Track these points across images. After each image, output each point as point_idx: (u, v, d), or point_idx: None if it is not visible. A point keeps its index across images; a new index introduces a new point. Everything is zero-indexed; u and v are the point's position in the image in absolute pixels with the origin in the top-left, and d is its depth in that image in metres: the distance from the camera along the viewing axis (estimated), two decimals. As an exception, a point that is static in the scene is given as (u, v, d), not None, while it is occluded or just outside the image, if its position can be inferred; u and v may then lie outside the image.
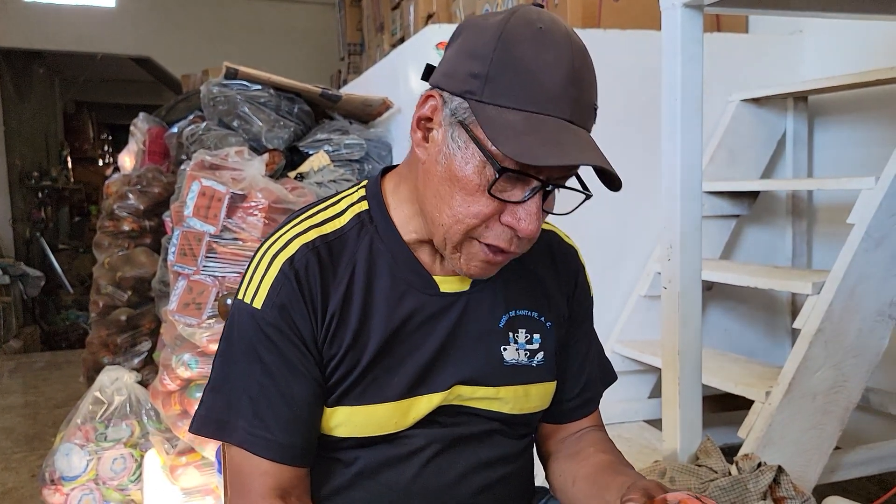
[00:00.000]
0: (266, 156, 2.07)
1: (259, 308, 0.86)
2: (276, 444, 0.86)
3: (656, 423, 2.17)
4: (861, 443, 1.91)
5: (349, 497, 0.92)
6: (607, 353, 2.20)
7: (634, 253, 2.28)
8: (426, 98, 0.84)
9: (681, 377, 1.47)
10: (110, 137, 10.91)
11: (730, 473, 1.37)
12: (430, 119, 0.84)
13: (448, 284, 0.92)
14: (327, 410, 0.89)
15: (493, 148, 0.77)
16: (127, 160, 3.62)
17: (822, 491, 1.72)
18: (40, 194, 7.61)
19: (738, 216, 2.31)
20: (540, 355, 0.97)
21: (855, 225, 1.63)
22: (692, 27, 1.42)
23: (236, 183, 1.92)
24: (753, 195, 2.29)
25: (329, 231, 0.91)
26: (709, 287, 2.24)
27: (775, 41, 2.42)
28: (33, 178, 7.37)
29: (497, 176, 0.78)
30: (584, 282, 1.05)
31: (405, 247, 0.91)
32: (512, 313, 0.96)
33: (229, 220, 1.91)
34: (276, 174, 2.21)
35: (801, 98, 2.34)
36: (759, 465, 1.34)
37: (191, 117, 3.06)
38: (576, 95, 0.78)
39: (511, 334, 0.95)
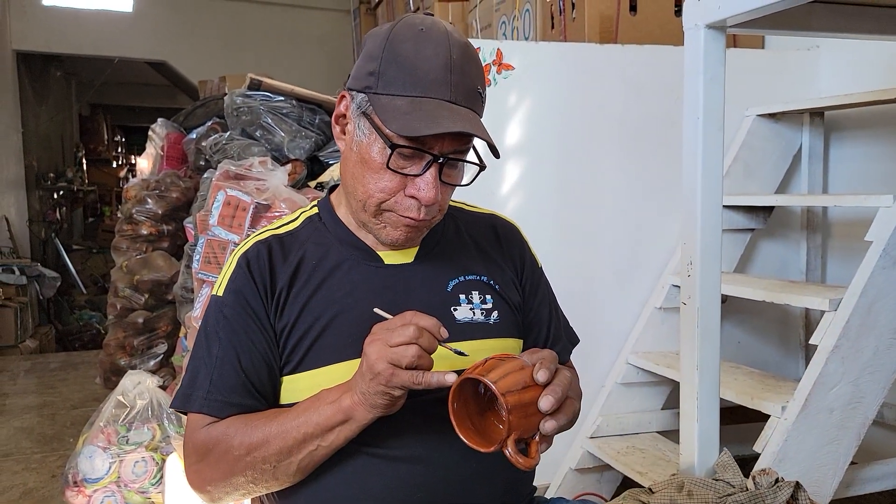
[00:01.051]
0: (289, 166, 2.10)
1: (221, 295, 1.00)
2: (230, 404, 0.95)
3: (669, 434, 2.19)
4: (874, 457, 1.91)
5: (335, 465, 0.94)
6: (621, 364, 2.25)
7: (649, 264, 2.30)
8: (340, 98, 0.99)
9: (699, 392, 1.49)
10: (124, 139, 11.02)
11: (747, 488, 1.39)
12: (343, 116, 0.99)
13: (392, 258, 1.03)
14: (291, 378, 0.97)
15: (387, 130, 0.91)
16: (145, 164, 3.67)
17: (837, 506, 1.73)
18: (55, 195, 7.68)
19: (752, 230, 2.33)
20: (496, 314, 1.05)
21: (873, 243, 1.64)
22: (715, 47, 1.44)
23: (260, 193, 1.95)
24: (769, 209, 2.30)
25: (282, 231, 1.06)
26: (723, 300, 2.25)
27: (792, 57, 2.44)
28: (49, 180, 7.45)
29: (391, 152, 0.91)
30: (530, 255, 1.16)
31: (349, 232, 1.04)
32: (461, 278, 1.05)
33: (253, 229, 1.95)
34: (298, 184, 2.24)
35: (817, 113, 2.35)
36: (777, 480, 1.36)
37: (209, 124, 3.10)
38: (454, 80, 0.92)
39: (462, 296, 1.04)
